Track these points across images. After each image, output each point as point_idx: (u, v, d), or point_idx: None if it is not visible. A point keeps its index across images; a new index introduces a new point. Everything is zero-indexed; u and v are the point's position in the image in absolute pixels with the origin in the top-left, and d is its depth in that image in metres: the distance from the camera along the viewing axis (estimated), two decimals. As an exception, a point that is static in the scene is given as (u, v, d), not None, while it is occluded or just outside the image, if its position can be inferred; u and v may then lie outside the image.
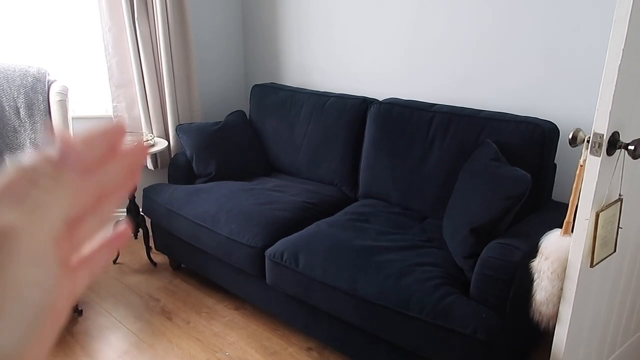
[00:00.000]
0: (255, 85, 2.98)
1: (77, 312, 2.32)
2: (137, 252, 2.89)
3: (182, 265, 2.72)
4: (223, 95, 3.25)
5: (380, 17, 2.58)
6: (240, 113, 2.92)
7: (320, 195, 2.44)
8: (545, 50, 2.09)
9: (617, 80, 1.18)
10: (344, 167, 2.54)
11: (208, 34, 3.09)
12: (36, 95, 2.53)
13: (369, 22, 2.63)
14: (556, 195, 2.12)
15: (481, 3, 2.22)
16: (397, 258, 1.82)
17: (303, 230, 2.09)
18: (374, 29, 2.62)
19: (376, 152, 2.38)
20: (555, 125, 1.99)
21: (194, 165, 2.68)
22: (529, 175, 1.69)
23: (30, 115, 2.51)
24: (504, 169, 1.80)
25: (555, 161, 2.06)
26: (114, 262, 2.80)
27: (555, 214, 1.73)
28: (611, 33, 1.17)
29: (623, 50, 1.16)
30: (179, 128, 2.76)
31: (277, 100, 2.82)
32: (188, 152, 2.70)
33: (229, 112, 2.94)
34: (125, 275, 2.68)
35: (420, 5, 2.42)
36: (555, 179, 2.11)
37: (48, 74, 2.61)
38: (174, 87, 2.86)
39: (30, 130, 2.51)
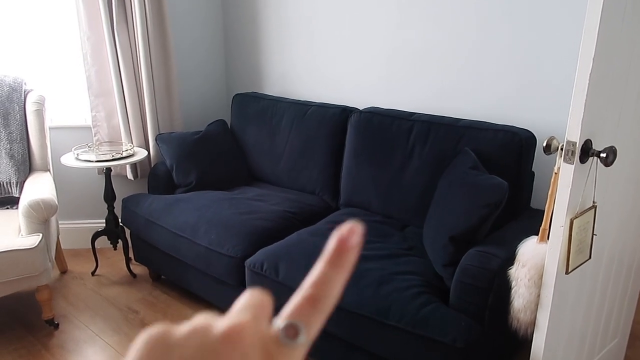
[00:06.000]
0: (237, 94, 2.97)
1: (53, 325, 2.27)
2: (116, 263, 2.85)
3: (162, 276, 2.69)
4: (204, 104, 3.23)
5: (361, 27, 2.60)
6: (221, 122, 2.91)
7: (301, 204, 2.44)
8: (522, 61, 2.12)
9: (588, 89, 1.20)
10: (325, 176, 2.53)
11: (188, 42, 3.08)
12: (12, 105, 2.49)
13: (350, 32, 2.65)
14: (534, 202, 2.14)
15: (461, 15, 2.25)
16: (376, 267, 1.81)
17: (283, 240, 2.07)
18: (354, 38, 2.64)
19: (357, 160, 2.39)
20: (532, 134, 2.02)
21: (174, 175, 2.65)
22: (506, 183, 1.71)
23: (6, 125, 2.47)
24: (482, 177, 1.81)
25: (533, 169, 2.08)
26: (92, 274, 2.75)
27: (533, 221, 1.74)
28: (581, 43, 1.19)
29: (593, 59, 1.18)
30: (159, 137, 2.74)
31: (258, 109, 2.81)
32: (168, 162, 2.67)
33: (210, 122, 2.92)
34: (104, 287, 2.63)
35: (401, 16, 2.44)
36: (534, 186, 2.13)
37: (25, 83, 2.57)
38: (154, 96, 2.83)
39: (6, 141, 2.47)
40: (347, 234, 0.27)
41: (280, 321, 0.26)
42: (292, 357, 0.25)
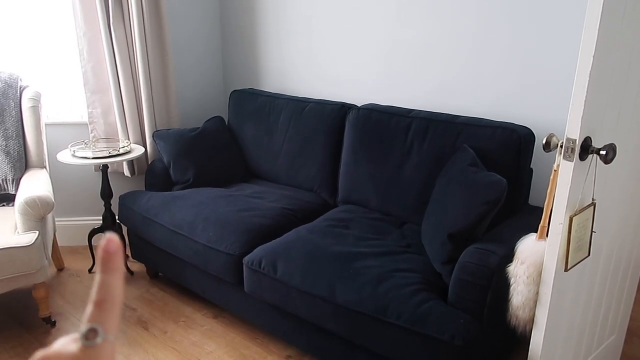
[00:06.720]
0: (234, 90, 2.96)
1: (50, 323, 2.26)
2: (113, 260, 2.83)
3: (160, 273, 2.68)
4: (201, 100, 3.22)
5: (359, 23, 2.58)
6: (218, 119, 2.89)
7: (299, 201, 2.43)
8: (522, 58, 2.11)
9: (588, 86, 1.19)
10: (323, 173, 2.53)
11: (186, 38, 3.06)
12: (7, 101, 2.47)
13: (348, 29, 2.63)
14: (533, 199, 2.14)
15: (460, 12, 2.24)
16: (375, 264, 1.81)
17: (281, 237, 2.07)
18: (353, 35, 2.63)
19: (355, 157, 2.38)
20: (531, 131, 2.01)
21: (171, 172, 2.64)
22: (504, 180, 1.70)
23: (2, 121, 2.45)
24: (481, 174, 1.80)
25: (531, 166, 2.08)
26: (90, 271, 2.74)
27: (532, 218, 1.74)
28: (582, 40, 1.18)
29: (593, 56, 1.17)
30: (156, 134, 2.72)
31: (256, 105, 2.80)
32: (165, 159, 2.66)
33: (207, 118, 2.91)
34: (101, 285, 2.62)
35: (399, 12, 2.43)
36: (532, 183, 2.13)
37: (20, 80, 2.56)
38: (151, 92, 2.82)
39: (2, 137, 2.45)
40: (107, 244, 0.32)
41: (79, 330, 0.31)
42: (102, 355, 0.30)
